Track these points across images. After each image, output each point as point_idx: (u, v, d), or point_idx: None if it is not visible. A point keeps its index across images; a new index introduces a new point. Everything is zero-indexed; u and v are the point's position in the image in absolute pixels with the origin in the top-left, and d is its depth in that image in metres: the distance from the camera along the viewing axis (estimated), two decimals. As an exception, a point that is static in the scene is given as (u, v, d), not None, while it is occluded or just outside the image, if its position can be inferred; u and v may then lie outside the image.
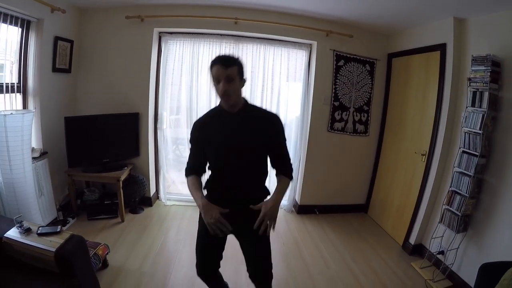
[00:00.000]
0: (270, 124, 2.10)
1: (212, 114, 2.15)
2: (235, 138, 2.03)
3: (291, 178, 2.20)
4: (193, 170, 2.16)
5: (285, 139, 2.20)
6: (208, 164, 2.18)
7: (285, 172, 2.18)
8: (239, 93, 2.00)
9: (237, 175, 2.08)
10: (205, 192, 2.16)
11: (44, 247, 2.21)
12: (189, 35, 4.44)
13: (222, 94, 1.89)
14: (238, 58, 1.96)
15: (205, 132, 2.08)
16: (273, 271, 2.31)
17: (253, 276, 2.33)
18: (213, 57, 1.92)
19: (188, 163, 2.21)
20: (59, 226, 2.46)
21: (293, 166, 2.24)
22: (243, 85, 2.01)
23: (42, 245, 2.23)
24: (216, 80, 1.88)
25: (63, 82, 4.13)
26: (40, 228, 2.41)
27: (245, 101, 2.10)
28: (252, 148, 2.05)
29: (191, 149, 2.19)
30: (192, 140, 2.16)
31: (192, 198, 2.08)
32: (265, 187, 2.24)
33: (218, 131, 2.05)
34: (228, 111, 2.03)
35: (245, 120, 2.04)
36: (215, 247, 2.30)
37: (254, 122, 2.06)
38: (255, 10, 4.17)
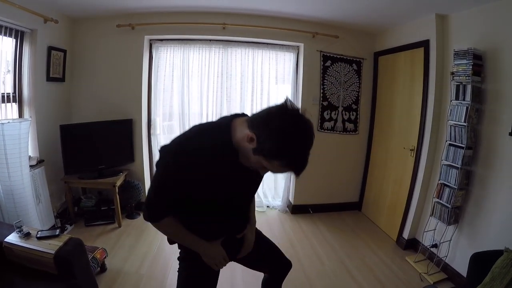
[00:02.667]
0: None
1: (211, 151, 1.40)
2: (254, 186, 1.76)
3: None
4: (167, 212, 1.54)
5: None
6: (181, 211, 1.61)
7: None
8: None
9: (237, 218, 1.78)
10: None
11: (44, 249, 2.26)
12: (179, 42, 4.51)
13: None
14: None
15: (218, 184, 1.48)
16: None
17: (275, 266, 2.14)
18: (294, 152, 1.25)
19: (155, 204, 1.52)
20: (58, 230, 2.52)
21: None
22: None
23: (41, 248, 2.28)
24: (267, 167, 1.34)
25: (58, 91, 4.19)
26: (39, 232, 2.46)
27: None
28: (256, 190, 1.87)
29: (167, 190, 1.47)
30: (176, 183, 1.43)
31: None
32: None
33: (237, 184, 1.58)
34: (240, 160, 1.44)
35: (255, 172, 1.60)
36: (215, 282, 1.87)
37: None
38: (242, 15, 4.25)
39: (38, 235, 2.42)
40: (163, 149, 1.42)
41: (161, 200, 1.50)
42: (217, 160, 1.40)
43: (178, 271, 1.81)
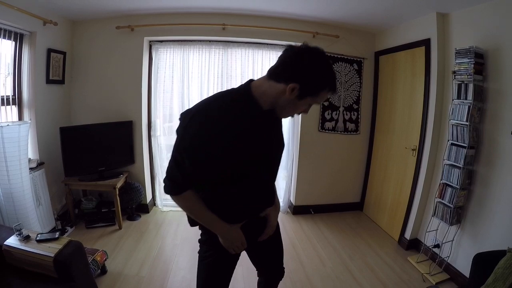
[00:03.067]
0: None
1: (234, 106, 1.42)
2: (278, 148, 1.68)
3: None
4: (188, 184, 1.47)
5: None
6: (206, 185, 1.53)
7: None
8: None
9: (266, 189, 1.72)
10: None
11: (43, 252, 2.26)
12: (179, 43, 4.51)
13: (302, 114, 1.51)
14: None
15: (243, 141, 1.42)
16: None
17: (273, 268, 2.08)
18: (331, 77, 1.39)
19: (176, 173, 1.44)
20: (57, 233, 2.51)
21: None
22: None
23: (41, 251, 2.27)
24: (313, 103, 1.44)
25: (57, 93, 4.19)
26: (39, 235, 2.45)
27: None
28: (282, 152, 1.75)
29: (190, 156, 1.38)
30: (201, 146, 1.36)
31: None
32: None
33: (263, 141, 1.53)
34: (263, 108, 1.44)
35: (277, 122, 1.66)
36: (234, 266, 1.83)
37: (279, 123, 1.70)
38: (242, 15, 4.24)
39: (37, 238, 2.42)
40: (183, 114, 1.43)
41: (183, 168, 1.42)
42: (238, 115, 1.40)
43: (198, 253, 1.79)
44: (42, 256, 2.24)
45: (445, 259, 3.43)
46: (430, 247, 3.63)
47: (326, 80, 1.37)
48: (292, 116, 1.52)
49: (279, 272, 2.10)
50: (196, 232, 1.75)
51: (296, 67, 1.32)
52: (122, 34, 4.28)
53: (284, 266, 2.10)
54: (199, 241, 1.78)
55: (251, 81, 1.49)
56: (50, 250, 2.28)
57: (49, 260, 2.22)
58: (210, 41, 4.52)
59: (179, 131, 1.41)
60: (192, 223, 1.70)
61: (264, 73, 1.45)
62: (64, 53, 4.17)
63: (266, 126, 1.53)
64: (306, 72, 1.32)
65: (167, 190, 1.51)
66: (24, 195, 3.22)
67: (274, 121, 1.61)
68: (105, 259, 3.19)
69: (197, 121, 1.36)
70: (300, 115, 4.32)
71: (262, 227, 1.81)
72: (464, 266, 3.22)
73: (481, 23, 3.15)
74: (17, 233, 2.42)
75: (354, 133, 4.99)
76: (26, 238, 2.40)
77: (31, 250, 2.28)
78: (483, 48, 3.05)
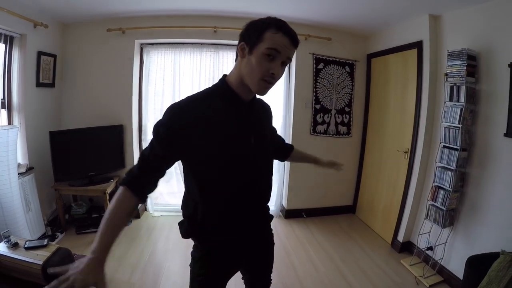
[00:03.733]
0: (270, 112, 1.70)
1: (209, 97, 1.39)
2: (254, 138, 1.45)
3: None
4: (155, 165, 1.36)
5: None
6: (194, 185, 1.43)
7: (288, 145, 2.03)
8: None
9: (253, 192, 1.53)
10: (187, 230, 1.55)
11: (32, 260, 2.25)
12: (170, 45, 4.49)
13: (272, 78, 1.32)
14: None
15: (204, 126, 1.31)
16: None
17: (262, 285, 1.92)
18: (271, 18, 1.33)
19: (146, 153, 1.36)
20: (46, 240, 2.51)
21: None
22: None
23: (29, 258, 2.27)
24: (273, 53, 1.28)
25: (47, 97, 4.14)
26: (27, 242, 2.44)
27: None
28: (269, 148, 1.63)
29: (154, 146, 1.33)
30: (164, 134, 1.30)
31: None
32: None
33: (230, 126, 1.38)
34: (242, 97, 1.41)
35: (258, 112, 1.56)
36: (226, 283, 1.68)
37: (262, 113, 1.61)
38: (234, 18, 4.22)
39: (26, 245, 2.41)
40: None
41: (154, 150, 1.33)
42: (212, 101, 1.37)
43: (190, 268, 1.62)
44: (31, 264, 2.23)
45: (438, 261, 3.43)
46: (423, 249, 3.63)
47: (266, 21, 1.31)
48: (267, 82, 1.32)
49: (267, 284, 1.94)
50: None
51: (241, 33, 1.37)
52: (113, 36, 4.25)
53: (272, 276, 1.95)
54: (192, 255, 1.61)
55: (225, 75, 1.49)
56: (38, 257, 2.28)
57: (38, 268, 2.20)
58: (201, 43, 4.51)
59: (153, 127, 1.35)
60: (185, 234, 1.56)
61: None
62: (54, 56, 4.13)
63: (243, 116, 1.43)
64: (247, 27, 1.35)
65: (134, 168, 1.38)
66: (13, 201, 3.18)
67: (254, 113, 1.50)
68: (95, 265, 3.14)
69: (169, 111, 1.31)
70: (292, 120, 4.31)
71: (261, 246, 1.73)
72: (457, 268, 3.22)
73: (474, 25, 3.16)
74: (5, 240, 2.40)
75: (346, 136, 4.98)
76: (14, 245, 2.39)
77: (19, 258, 2.28)
78: (475, 50, 3.06)
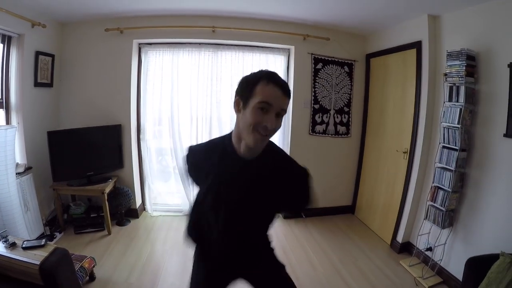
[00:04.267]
0: (296, 183, 1.57)
1: (213, 148, 1.55)
2: (241, 197, 1.50)
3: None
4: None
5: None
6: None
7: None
8: None
9: (230, 241, 1.62)
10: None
11: (29, 260, 2.25)
12: (168, 45, 4.47)
13: (265, 130, 1.33)
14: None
15: (197, 171, 1.64)
16: None
17: None
18: (262, 72, 1.39)
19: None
20: (44, 240, 2.51)
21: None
22: None
23: (27, 258, 2.27)
24: (266, 106, 1.30)
25: (45, 97, 4.13)
26: (25, 242, 2.44)
27: (268, 144, 1.48)
28: (260, 210, 1.58)
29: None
30: (185, 173, 1.71)
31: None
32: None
33: (220, 180, 1.51)
34: (239, 154, 1.47)
35: (259, 171, 1.48)
36: None
37: (270, 174, 1.49)
38: (232, 18, 4.21)
39: (23, 245, 2.41)
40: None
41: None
42: (210, 147, 1.60)
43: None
44: (28, 264, 2.23)
45: (437, 262, 3.41)
46: (423, 250, 3.62)
47: (257, 74, 1.36)
48: (261, 134, 1.34)
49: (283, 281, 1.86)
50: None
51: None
52: (111, 36, 4.23)
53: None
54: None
55: None
56: (36, 257, 2.27)
57: (35, 268, 2.20)
58: (200, 43, 4.49)
59: None
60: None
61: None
62: (52, 56, 4.12)
63: (235, 172, 1.49)
64: (241, 82, 1.42)
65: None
66: (11, 201, 3.17)
67: (253, 170, 1.48)
68: (93, 266, 3.13)
69: (185, 154, 1.68)
70: (291, 120, 4.30)
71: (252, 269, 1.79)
72: (457, 269, 3.20)
73: (473, 25, 3.15)
74: (3, 240, 2.40)
75: (345, 136, 4.97)
76: (12, 245, 2.39)
77: (16, 258, 2.27)
78: (474, 50, 3.05)
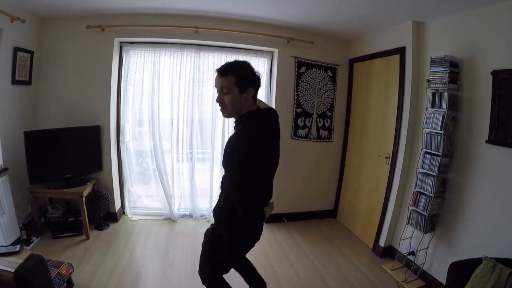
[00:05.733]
0: (229, 147, 1.87)
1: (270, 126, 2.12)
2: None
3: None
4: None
5: (236, 178, 1.82)
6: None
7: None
8: (240, 104, 1.89)
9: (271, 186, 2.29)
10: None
11: (3, 267, 2.20)
12: (150, 45, 4.41)
13: (218, 103, 1.92)
14: (239, 66, 1.89)
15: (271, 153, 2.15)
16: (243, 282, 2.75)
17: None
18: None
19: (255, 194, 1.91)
20: (18, 246, 2.46)
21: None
22: (248, 96, 1.89)
23: (1, 265, 2.23)
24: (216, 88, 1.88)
25: (23, 95, 4.00)
26: None
27: (251, 111, 1.96)
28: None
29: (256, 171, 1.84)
30: (260, 159, 1.85)
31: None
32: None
33: (277, 150, 2.25)
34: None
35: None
36: None
37: (229, 141, 1.92)
38: (216, 18, 4.18)
39: (-3, 252, 2.34)
40: (233, 147, 1.82)
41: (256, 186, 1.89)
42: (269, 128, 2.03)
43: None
44: (2, 272, 2.18)
45: (420, 266, 3.45)
46: (405, 254, 3.66)
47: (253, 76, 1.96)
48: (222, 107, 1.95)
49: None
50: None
51: None
52: (92, 34, 4.13)
53: None
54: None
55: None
56: (10, 264, 2.23)
57: (9, 275, 2.15)
58: (182, 44, 4.44)
59: (239, 159, 1.79)
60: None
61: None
62: (31, 52, 3.98)
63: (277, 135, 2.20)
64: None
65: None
66: (-15, 204, 3.05)
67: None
68: (71, 272, 3.02)
69: (254, 143, 1.87)
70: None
71: None
72: (439, 273, 3.26)
73: (457, 33, 3.20)
74: (-23, 246, 2.31)
75: (328, 140, 4.99)
76: (-15, 252, 2.33)
77: (-10, 265, 2.21)
78: (458, 57, 3.09)
